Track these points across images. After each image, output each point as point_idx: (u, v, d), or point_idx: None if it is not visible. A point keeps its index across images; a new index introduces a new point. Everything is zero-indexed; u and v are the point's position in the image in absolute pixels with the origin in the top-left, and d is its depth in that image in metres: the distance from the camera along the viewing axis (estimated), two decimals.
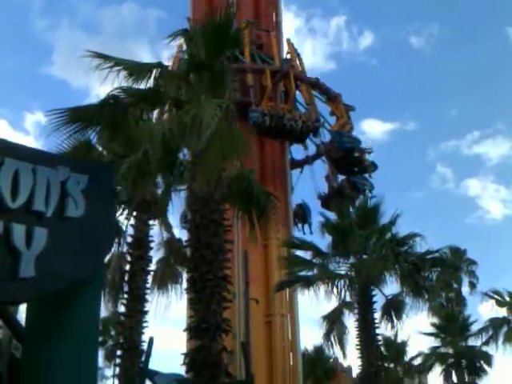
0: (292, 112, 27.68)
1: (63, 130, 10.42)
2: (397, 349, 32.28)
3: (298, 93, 30.16)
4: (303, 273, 18.31)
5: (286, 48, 32.14)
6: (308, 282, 18.24)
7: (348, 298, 18.39)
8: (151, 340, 8.98)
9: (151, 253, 14.35)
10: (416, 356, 31.98)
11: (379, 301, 18.40)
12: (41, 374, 7.58)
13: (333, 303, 18.73)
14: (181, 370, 12.49)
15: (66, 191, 7.72)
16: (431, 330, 31.02)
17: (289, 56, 31.62)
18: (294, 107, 29.33)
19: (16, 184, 7.21)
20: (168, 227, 15.59)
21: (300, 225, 29.97)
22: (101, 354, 33.58)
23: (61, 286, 7.43)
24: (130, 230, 14.52)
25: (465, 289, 38.50)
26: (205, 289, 10.47)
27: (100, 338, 31.15)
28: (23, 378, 7.83)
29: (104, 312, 19.49)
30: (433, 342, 30.88)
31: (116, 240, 15.10)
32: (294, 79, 29.19)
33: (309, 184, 30.72)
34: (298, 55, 31.73)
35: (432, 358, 30.06)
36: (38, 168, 7.48)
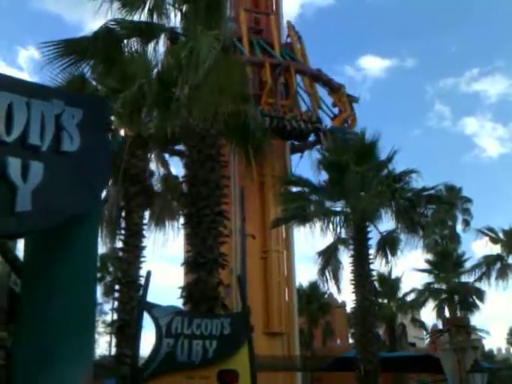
0: (292, 110, 26.64)
1: (56, 63, 10.28)
2: (390, 285, 32.88)
3: (299, 79, 29.29)
4: (299, 210, 18.41)
5: (286, 31, 31.09)
6: (304, 219, 18.38)
7: (343, 235, 18.60)
8: (149, 274, 9.05)
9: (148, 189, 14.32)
10: (409, 292, 32.61)
11: (374, 237, 18.63)
12: (40, 308, 7.69)
13: (328, 240, 18.95)
14: (178, 304, 12.75)
15: (60, 125, 7.66)
16: (425, 266, 31.53)
17: (289, 40, 30.65)
18: (295, 102, 28.57)
19: (10, 117, 7.14)
20: (164, 163, 15.54)
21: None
22: (99, 289, 34.22)
23: (58, 221, 7.46)
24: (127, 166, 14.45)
25: (459, 226, 38.99)
26: (201, 224, 10.54)
27: (98, 274, 31.56)
28: (22, 313, 7.95)
29: (102, 248, 19.63)
30: (426, 278, 31.43)
31: (112, 176, 15.08)
32: (294, 72, 28.20)
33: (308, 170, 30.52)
34: (300, 38, 30.57)
35: (425, 293, 30.60)
36: (33, 101, 7.40)
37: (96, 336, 27.43)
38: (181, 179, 12.25)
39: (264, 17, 30.12)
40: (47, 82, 10.94)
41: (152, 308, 9.08)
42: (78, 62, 10.60)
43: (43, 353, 7.36)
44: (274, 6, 31.25)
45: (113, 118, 14.04)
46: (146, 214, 14.67)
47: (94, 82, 12.38)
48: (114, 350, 15.71)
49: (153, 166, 15.32)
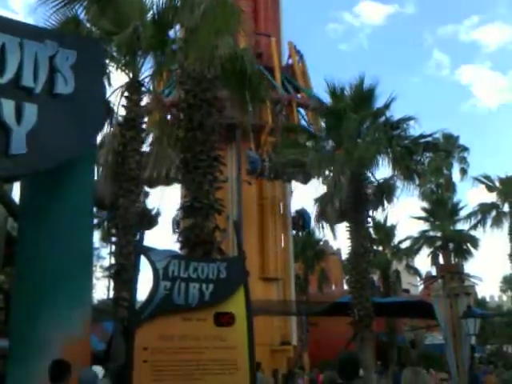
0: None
1: (50, 3, 10.05)
2: (386, 232, 33.09)
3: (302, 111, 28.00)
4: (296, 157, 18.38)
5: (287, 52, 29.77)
6: (301, 165, 18.36)
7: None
8: (145, 218, 9.10)
9: (144, 134, 14.23)
10: (404, 239, 32.85)
11: (370, 185, 18.63)
12: (37, 252, 7.74)
13: (324, 187, 18.97)
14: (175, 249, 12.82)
15: (54, 67, 7.56)
16: (421, 214, 31.70)
17: (291, 61, 29.68)
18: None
19: (3, 58, 7.04)
20: (161, 108, 15.39)
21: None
22: (96, 234, 34.38)
23: (53, 164, 7.44)
24: (122, 111, 14.34)
25: (455, 175, 39.12)
26: (197, 169, 10.52)
27: (95, 220, 31.64)
28: (20, 256, 8.00)
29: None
30: (422, 227, 31.66)
31: (108, 121, 14.96)
32: (296, 106, 26.94)
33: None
34: (301, 57, 29.49)
35: (420, 241, 30.86)
36: (26, 42, 7.28)
37: (94, 281, 27.63)
38: (176, 124, 12.15)
39: (264, 38, 28.68)
40: (41, 24, 10.76)
41: (148, 251, 9.14)
42: (72, 2, 10.37)
43: (41, 296, 7.44)
44: (275, 26, 29.74)
45: (107, 61, 13.87)
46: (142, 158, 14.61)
47: (88, 24, 12.15)
48: (111, 294, 15.89)
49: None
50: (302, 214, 28.09)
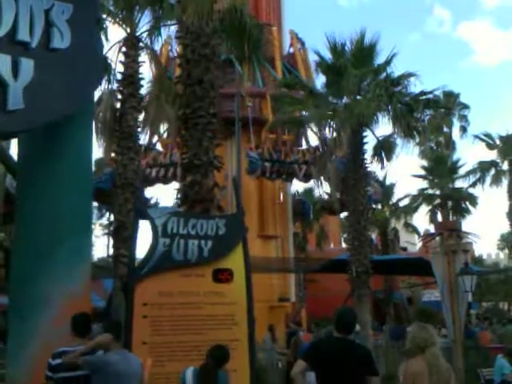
0: (293, 149, 23.94)
1: None
2: (384, 190, 33.11)
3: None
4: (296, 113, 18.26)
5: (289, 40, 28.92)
6: (300, 122, 18.24)
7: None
8: (143, 175, 9.07)
9: (142, 91, 14.14)
10: (403, 197, 32.91)
11: (370, 142, 18.57)
12: (36, 209, 7.72)
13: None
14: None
15: (50, 21, 7.42)
16: (420, 173, 31.67)
17: (292, 50, 28.81)
18: (298, 138, 26.49)
19: None
20: (158, 64, 15.22)
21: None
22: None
23: (51, 120, 7.37)
24: (120, 67, 14.22)
25: (455, 133, 38.95)
26: (196, 125, 10.43)
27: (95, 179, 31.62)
28: (19, 214, 7.99)
29: (97, 152, 19.56)
30: (421, 185, 31.68)
31: (105, 77, 14.83)
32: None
33: None
34: (303, 44, 28.55)
35: (419, 199, 30.90)
36: None
37: (94, 238, 27.65)
38: (175, 80, 12.01)
39: (265, 27, 27.63)
40: None
41: (148, 209, 9.16)
42: None
43: (41, 252, 7.46)
44: (276, 15, 28.76)
45: (104, 15, 13.66)
46: (140, 116, 14.53)
47: None
48: (111, 252, 15.97)
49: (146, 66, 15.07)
50: (302, 203, 27.98)
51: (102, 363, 5.74)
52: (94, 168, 14.72)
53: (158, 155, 23.15)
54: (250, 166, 21.70)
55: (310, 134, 26.63)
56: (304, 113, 18.43)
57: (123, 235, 13.17)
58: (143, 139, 15.73)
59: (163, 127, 17.23)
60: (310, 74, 26.85)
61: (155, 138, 25.35)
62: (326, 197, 27.30)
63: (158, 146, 25.22)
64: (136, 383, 5.90)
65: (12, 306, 7.66)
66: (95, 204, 28.17)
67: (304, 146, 26.85)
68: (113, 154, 14.71)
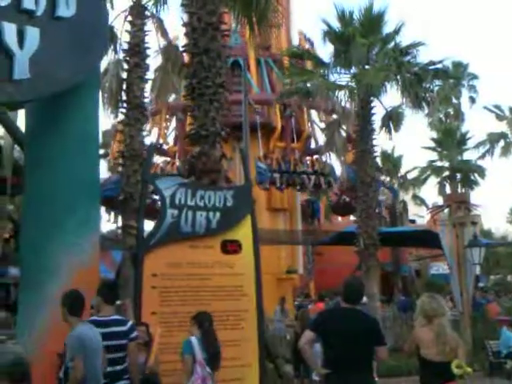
0: (302, 159, 23.88)
1: None
2: (393, 162, 32.99)
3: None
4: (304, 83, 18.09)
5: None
6: (308, 93, 18.09)
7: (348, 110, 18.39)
8: (151, 146, 9.01)
9: (148, 61, 14.03)
10: (411, 169, 32.79)
11: (379, 113, 18.45)
12: (44, 180, 7.70)
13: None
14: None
15: None
16: (429, 145, 31.46)
17: None
18: (308, 148, 26.46)
19: None
20: (164, 33, 15.07)
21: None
22: (103, 165, 34.37)
23: (57, 89, 7.30)
24: (126, 37, 14.09)
25: (464, 104, 38.58)
26: (203, 96, 10.31)
27: (102, 150, 31.59)
28: (28, 185, 7.98)
29: (105, 124, 19.48)
30: (430, 157, 31.48)
31: (111, 47, 14.71)
32: (307, 108, 25.36)
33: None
34: (312, 45, 27.89)
35: (427, 171, 30.75)
36: None
37: (102, 211, 27.62)
38: (181, 49, 11.88)
39: (273, 29, 27.06)
40: None
41: (155, 179, 9.12)
42: None
43: (50, 223, 7.45)
44: (285, 16, 28.08)
45: None
46: (147, 86, 14.45)
47: None
48: (120, 223, 15.99)
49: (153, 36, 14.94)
50: (312, 203, 27.82)
51: (82, 340, 5.69)
52: (100, 139, 14.70)
53: (165, 165, 23.29)
54: (258, 177, 21.50)
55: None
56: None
57: (131, 206, 13.17)
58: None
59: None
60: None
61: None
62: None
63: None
64: (101, 356, 5.83)
65: (22, 277, 7.68)
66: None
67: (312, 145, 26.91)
68: (120, 125, 14.63)
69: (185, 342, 6.62)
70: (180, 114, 24.33)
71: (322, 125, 25.43)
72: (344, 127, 18.54)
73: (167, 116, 26.52)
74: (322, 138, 25.38)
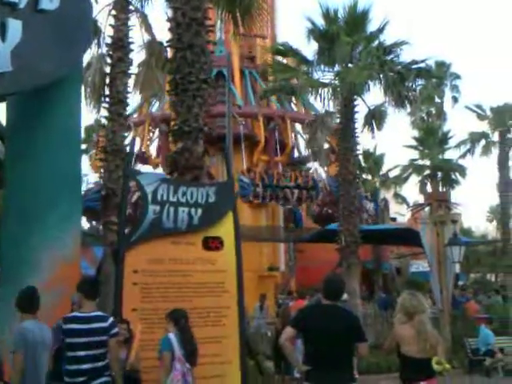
0: (285, 173, 23.90)
1: None
2: (375, 160, 33.11)
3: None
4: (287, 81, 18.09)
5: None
6: (292, 91, 18.10)
7: (331, 108, 18.45)
8: (133, 141, 8.97)
9: (132, 55, 13.94)
10: (393, 168, 32.92)
11: (361, 111, 18.49)
12: (25, 174, 7.65)
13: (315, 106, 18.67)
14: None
15: None
16: (411, 143, 31.63)
17: (285, 60, 28.10)
18: (291, 158, 26.47)
19: None
20: (148, 28, 14.99)
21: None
22: (85, 161, 34.13)
23: (39, 82, 7.26)
24: (109, 31, 13.99)
25: (447, 104, 38.84)
26: (186, 91, 10.28)
27: (84, 146, 31.33)
28: (8, 179, 7.91)
29: (87, 119, 19.35)
30: (411, 155, 31.64)
31: (95, 41, 14.60)
32: (290, 121, 25.66)
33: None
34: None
35: (409, 169, 30.92)
36: None
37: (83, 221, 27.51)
38: (165, 44, 11.83)
39: (258, 40, 26.87)
40: None
41: (137, 175, 9.08)
42: None
43: (31, 217, 7.42)
44: (270, 27, 27.98)
45: None
46: (130, 81, 14.36)
47: None
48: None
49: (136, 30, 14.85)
50: (294, 212, 27.87)
51: (23, 334, 5.75)
52: (82, 134, 14.58)
53: None
54: (241, 191, 21.40)
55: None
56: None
57: (113, 202, 13.10)
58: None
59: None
60: None
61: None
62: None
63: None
64: (48, 351, 5.93)
65: (3, 271, 7.63)
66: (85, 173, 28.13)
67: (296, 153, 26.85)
68: (103, 120, 14.53)
69: (163, 339, 6.62)
70: (163, 126, 24.27)
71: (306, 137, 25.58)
72: (326, 126, 18.53)
73: (150, 127, 26.48)
74: (306, 150, 25.58)
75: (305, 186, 23.18)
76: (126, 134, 13.71)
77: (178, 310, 6.89)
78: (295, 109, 27.14)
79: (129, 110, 13.96)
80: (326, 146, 24.46)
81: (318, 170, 27.82)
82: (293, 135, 26.74)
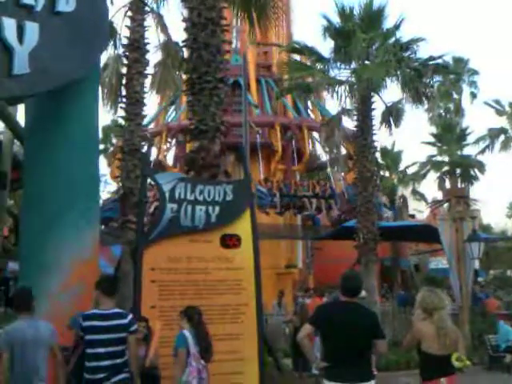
0: (303, 182, 24.05)
1: None
2: (393, 157, 32.98)
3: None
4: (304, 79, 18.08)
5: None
6: (308, 89, 18.09)
7: (348, 105, 18.40)
8: (150, 141, 9.04)
9: (148, 56, 14.04)
10: (411, 165, 32.76)
11: (379, 108, 18.44)
12: (44, 175, 7.72)
13: (332, 110, 18.68)
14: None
15: None
16: (429, 140, 31.45)
17: None
18: (309, 166, 26.51)
19: None
20: (164, 29, 15.08)
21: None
22: (103, 160, 34.40)
23: (56, 84, 7.31)
24: (126, 32, 14.10)
25: (465, 100, 38.53)
26: (203, 91, 10.33)
27: (101, 146, 31.58)
28: (27, 180, 8.00)
29: (104, 119, 19.50)
30: (429, 152, 31.50)
31: (111, 42, 14.73)
32: (307, 130, 25.58)
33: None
34: None
35: (427, 166, 30.75)
36: None
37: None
38: (181, 44, 11.89)
39: (274, 48, 27.15)
40: None
41: (154, 174, 9.15)
42: None
43: (50, 217, 7.48)
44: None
45: None
46: (147, 81, 14.46)
47: None
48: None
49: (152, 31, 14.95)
50: (312, 217, 27.83)
51: (8, 334, 5.86)
52: (100, 134, 14.68)
53: None
54: (259, 201, 21.22)
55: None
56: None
57: (131, 201, 13.22)
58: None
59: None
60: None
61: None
62: None
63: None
64: (45, 349, 5.92)
65: (22, 271, 7.72)
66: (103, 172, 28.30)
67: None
68: (120, 120, 14.64)
69: (178, 336, 6.63)
70: (180, 136, 24.35)
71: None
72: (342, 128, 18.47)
73: (168, 138, 26.63)
74: (323, 156, 25.50)
75: (323, 196, 23.04)
76: (143, 143, 13.78)
77: (191, 306, 6.92)
78: (312, 115, 27.09)
79: (146, 118, 13.99)
80: (344, 151, 24.40)
81: (335, 176, 27.63)
82: (309, 141, 26.65)
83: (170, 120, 27.15)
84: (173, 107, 27.10)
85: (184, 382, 6.26)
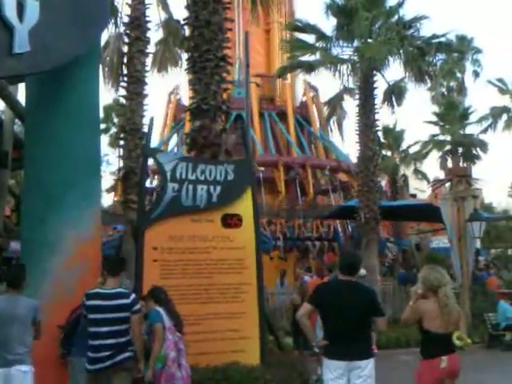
0: (306, 224, 23.17)
1: None
2: (395, 137, 32.81)
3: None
4: (306, 57, 17.96)
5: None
6: (310, 67, 17.97)
7: (350, 84, 18.32)
8: (151, 120, 9.00)
9: (149, 34, 13.95)
10: (413, 144, 32.58)
11: (381, 87, 18.31)
12: (45, 154, 7.71)
13: (334, 89, 18.59)
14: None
15: None
16: (431, 119, 31.25)
17: (304, 98, 27.93)
18: (312, 207, 25.78)
19: None
20: (165, 7, 14.97)
21: None
22: (104, 140, 34.35)
23: (57, 62, 7.27)
24: (127, 10, 14.00)
25: (468, 79, 38.20)
26: (204, 69, 10.28)
27: (103, 125, 31.48)
28: (28, 159, 7.99)
29: (106, 98, 19.45)
30: (432, 131, 31.28)
31: (112, 20, 14.63)
32: (311, 168, 25.40)
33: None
34: (317, 92, 27.74)
35: (429, 145, 30.57)
36: None
37: (103, 185, 27.50)
38: (182, 22, 11.80)
39: (278, 80, 26.90)
40: None
41: (156, 153, 9.14)
42: None
43: (51, 196, 7.48)
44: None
45: None
46: (148, 60, 14.39)
47: None
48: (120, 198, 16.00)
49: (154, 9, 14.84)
50: None
51: None
52: (101, 113, 14.65)
53: None
54: (262, 245, 21.06)
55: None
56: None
57: (133, 181, 13.22)
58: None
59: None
60: (322, 117, 26.14)
61: None
62: None
63: None
64: (22, 326, 5.80)
65: (24, 250, 7.74)
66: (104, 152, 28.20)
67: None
68: (121, 99, 14.59)
69: (152, 312, 6.56)
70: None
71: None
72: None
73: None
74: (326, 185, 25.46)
75: (326, 237, 22.96)
76: (144, 113, 13.73)
77: (156, 287, 6.88)
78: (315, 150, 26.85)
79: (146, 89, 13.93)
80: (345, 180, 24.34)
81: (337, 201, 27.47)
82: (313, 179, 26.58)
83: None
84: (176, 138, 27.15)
85: (163, 355, 6.27)
